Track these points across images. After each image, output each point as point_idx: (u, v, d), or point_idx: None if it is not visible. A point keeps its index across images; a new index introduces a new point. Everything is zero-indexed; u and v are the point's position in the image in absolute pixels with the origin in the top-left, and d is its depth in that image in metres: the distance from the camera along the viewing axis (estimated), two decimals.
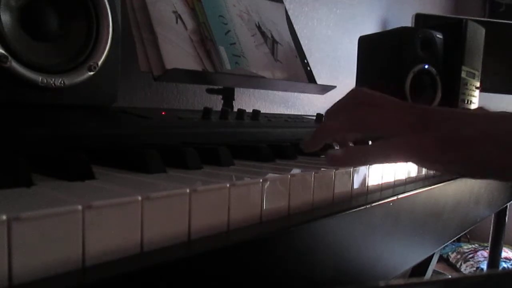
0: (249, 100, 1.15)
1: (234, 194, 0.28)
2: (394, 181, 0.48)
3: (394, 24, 1.63)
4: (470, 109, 0.36)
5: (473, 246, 1.96)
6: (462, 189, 0.58)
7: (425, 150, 0.34)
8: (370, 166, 0.43)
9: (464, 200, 0.60)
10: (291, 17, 1.01)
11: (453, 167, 0.35)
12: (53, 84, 0.43)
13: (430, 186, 0.49)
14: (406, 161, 0.40)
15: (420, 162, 0.39)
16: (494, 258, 1.42)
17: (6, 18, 0.41)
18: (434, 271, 1.32)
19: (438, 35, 1.08)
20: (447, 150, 0.33)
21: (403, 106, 0.38)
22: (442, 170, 0.43)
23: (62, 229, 0.19)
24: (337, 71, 1.44)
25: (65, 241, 0.19)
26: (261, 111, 0.67)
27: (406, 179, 0.50)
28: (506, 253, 1.82)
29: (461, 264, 1.84)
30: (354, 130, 0.40)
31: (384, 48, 1.09)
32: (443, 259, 1.92)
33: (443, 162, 0.34)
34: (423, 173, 0.54)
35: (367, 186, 0.43)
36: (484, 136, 0.33)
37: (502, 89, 1.55)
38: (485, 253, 1.82)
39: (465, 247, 1.95)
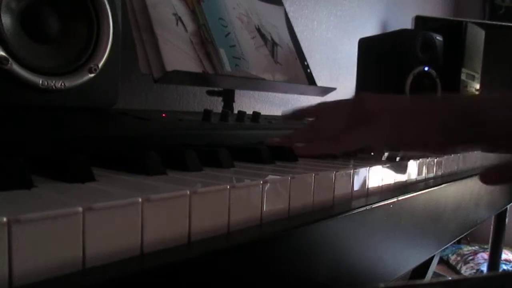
0: (249, 102, 1.15)
1: (234, 196, 0.28)
2: (394, 183, 0.48)
3: (394, 26, 1.63)
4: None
5: (473, 248, 1.96)
6: (462, 191, 0.58)
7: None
8: (370, 168, 0.43)
9: (464, 202, 0.60)
10: (291, 19, 1.01)
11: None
12: (53, 86, 0.43)
13: (430, 188, 0.49)
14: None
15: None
16: (494, 260, 1.42)
17: (6, 20, 0.41)
18: (434, 273, 1.32)
19: (438, 37, 1.08)
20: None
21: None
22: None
23: (63, 231, 0.19)
24: (337, 73, 1.44)
25: (66, 243, 0.19)
26: (261, 113, 0.67)
27: (406, 181, 0.50)
28: (506, 255, 1.82)
29: (461, 266, 1.84)
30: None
31: (384, 50, 1.09)
32: (443, 261, 1.91)
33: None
34: (423, 175, 0.54)
35: (367, 188, 0.43)
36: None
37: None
38: (485, 255, 1.82)
39: (465, 249, 1.95)
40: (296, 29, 1.01)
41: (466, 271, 1.80)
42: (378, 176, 0.44)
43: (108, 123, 0.48)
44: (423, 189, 0.48)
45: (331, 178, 0.37)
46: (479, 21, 1.50)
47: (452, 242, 0.60)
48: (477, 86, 1.21)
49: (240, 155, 0.43)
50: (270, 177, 0.32)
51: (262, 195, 0.30)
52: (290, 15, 1.03)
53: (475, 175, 0.61)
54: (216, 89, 0.87)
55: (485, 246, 1.85)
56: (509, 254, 1.87)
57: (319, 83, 0.99)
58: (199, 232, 0.26)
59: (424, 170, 0.54)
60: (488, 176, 0.45)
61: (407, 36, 1.06)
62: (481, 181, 0.45)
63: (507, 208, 1.33)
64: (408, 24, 1.52)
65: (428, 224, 0.50)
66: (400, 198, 0.42)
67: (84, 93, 0.46)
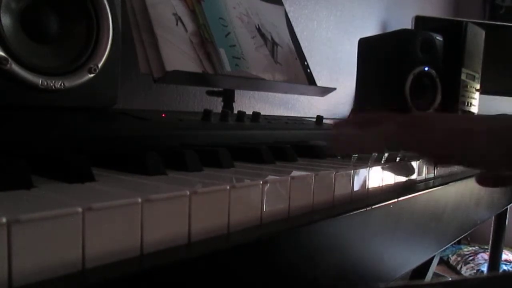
0: (249, 102, 1.15)
1: (234, 196, 0.28)
2: (394, 183, 0.48)
3: (394, 26, 1.63)
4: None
5: (474, 248, 1.96)
6: (462, 192, 0.58)
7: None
8: (371, 168, 0.43)
9: (465, 203, 0.60)
10: (291, 19, 1.01)
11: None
12: (53, 86, 0.43)
13: (431, 188, 0.49)
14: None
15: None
16: (495, 260, 1.42)
17: (6, 20, 0.41)
18: (434, 274, 1.32)
19: (438, 37, 1.08)
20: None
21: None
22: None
23: (62, 231, 0.19)
24: (337, 73, 1.44)
25: (65, 243, 0.19)
26: (261, 113, 0.67)
27: (406, 181, 0.50)
28: (506, 255, 1.82)
29: (461, 267, 1.83)
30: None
31: (384, 50, 1.09)
32: (444, 262, 1.91)
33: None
34: (423, 175, 0.54)
35: (368, 188, 0.43)
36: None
37: (502, 91, 1.55)
38: (486, 256, 1.82)
39: (466, 249, 1.95)
40: (296, 29, 1.01)
41: (466, 271, 1.80)
42: (378, 176, 0.44)
43: (108, 123, 0.48)
44: (423, 189, 0.47)
45: (331, 178, 0.37)
46: (479, 21, 1.50)
47: (452, 242, 0.60)
48: (477, 86, 1.21)
49: (240, 155, 0.43)
50: (270, 177, 0.31)
51: (262, 195, 0.30)
52: (290, 15, 1.03)
53: (475, 175, 0.61)
54: (216, 89, 0.87)
55: (485, 247, 1.85)
56: (509, 255, 1.87)
57: (319, 83, 0.99)
58: (199, 232, 0.26)
59: (424, 170, 0.54)
60: (483, 180, 0.47)
61: (407, 36, 1.06)
62: (478, 183, 0.47)
63: (507, 208, 1.33)
64: (408, 24, 1.52)
65: (428, 224, 0.50)
66: (400, 198, 0.42)
67: (83, 93, 0.46)
